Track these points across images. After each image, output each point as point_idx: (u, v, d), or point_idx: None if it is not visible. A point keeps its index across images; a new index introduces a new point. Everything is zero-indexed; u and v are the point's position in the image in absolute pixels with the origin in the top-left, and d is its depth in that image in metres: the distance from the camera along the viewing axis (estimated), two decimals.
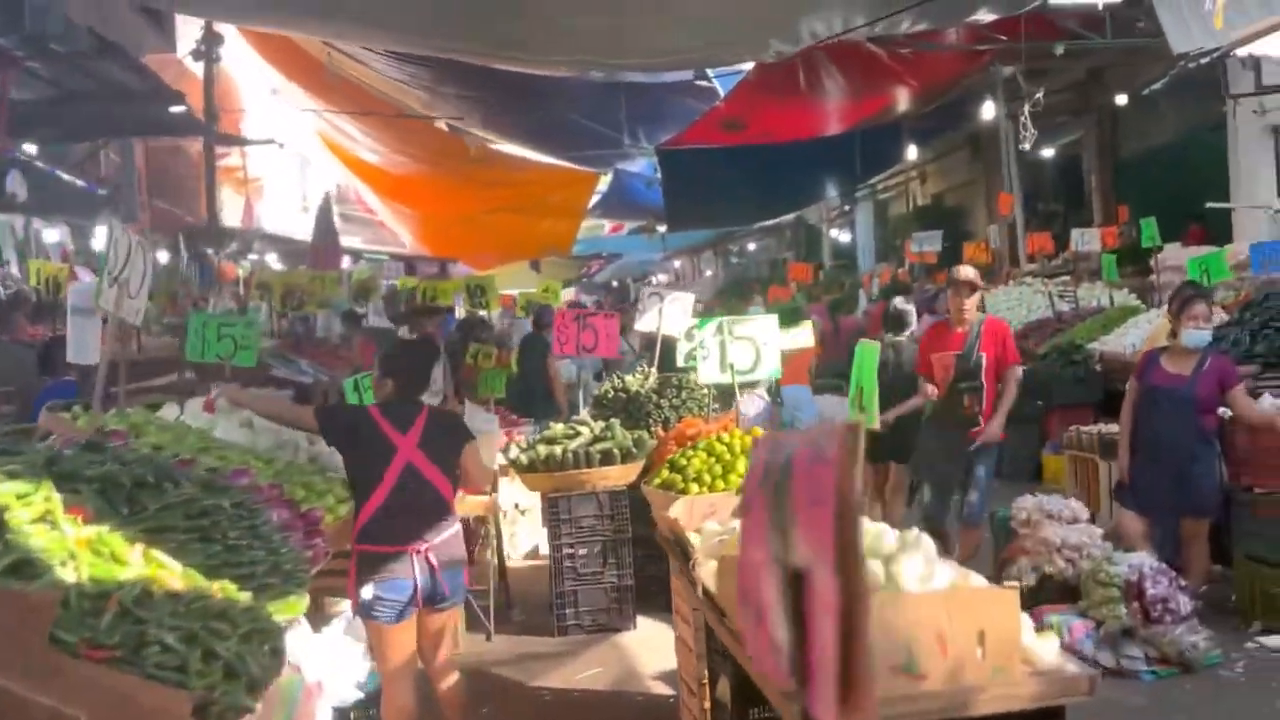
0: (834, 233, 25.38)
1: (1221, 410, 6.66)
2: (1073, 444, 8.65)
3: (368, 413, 4.94)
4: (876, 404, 4.09)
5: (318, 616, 5.83)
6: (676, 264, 32.15)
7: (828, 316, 15.45)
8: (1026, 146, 14.05)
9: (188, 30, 16.69)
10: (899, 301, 9.54)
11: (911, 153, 16.34)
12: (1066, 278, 14.17)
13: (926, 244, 15.73)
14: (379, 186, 18.83)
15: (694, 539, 4.33)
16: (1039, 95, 14.35)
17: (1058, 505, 6.80)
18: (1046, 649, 3.48)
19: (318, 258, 15.61)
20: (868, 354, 4.11)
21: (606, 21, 5.96)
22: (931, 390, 7.06)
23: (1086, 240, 13.85)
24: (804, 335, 8.96)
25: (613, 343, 7.35)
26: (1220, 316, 9.04)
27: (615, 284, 30.09)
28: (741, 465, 5.18)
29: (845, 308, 16.95)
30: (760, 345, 5.58)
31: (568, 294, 28.85)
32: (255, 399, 5.47)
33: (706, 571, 3.88)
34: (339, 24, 6.38)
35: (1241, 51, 9.31)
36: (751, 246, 30.63)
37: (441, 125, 16.79)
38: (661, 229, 22.05)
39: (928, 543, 3.87)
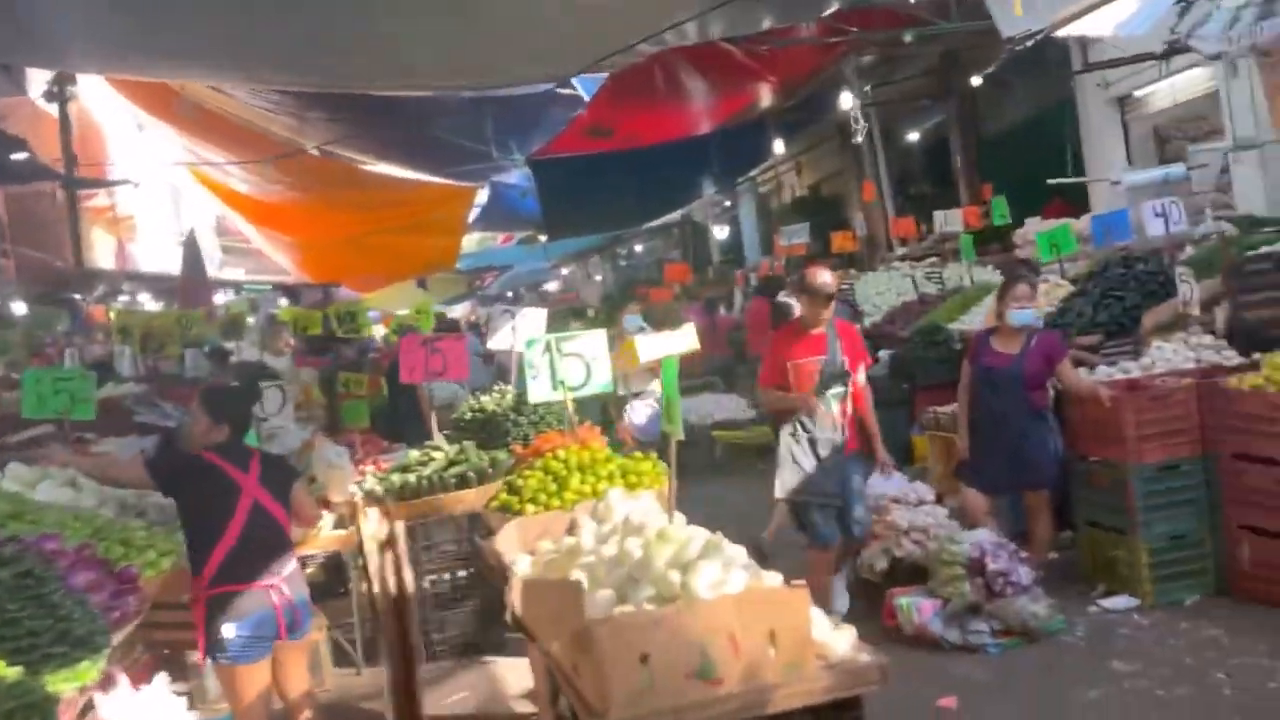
0: (719, 230, 25.58)
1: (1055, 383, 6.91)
2: (931, 424, 8.85)
3: (203, 457, 4.93)
4: (680, 416, 4.18)
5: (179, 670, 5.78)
6: (565, 271, 32.14)
7: (704, 314, 15.56)
8: (859, 139, 14.34)
9: (40, 72, 16.27)
10: (784, 296, 9.52)
11: (779, 147, 16.53)
12: (936, 259, 14.42)
13: (795, 237, 15.89)
14: (253, 216, 18.52)
15: (523, 561, 4.36)
16: (868, 89, 14.67)
17: (904, 489, 7.00)
18: (841, 642, 3.60)
19: (186, 295, 15.31)
20: (670, 368, 4.20)
21: (417, 44, 5.96)
22: (812, 401, 6.34)
23: (949, 221, 14.14)
24: (687, 338, 8.85)
25: (463, 366, 7.34)
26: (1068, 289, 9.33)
27: (510, 294, 30.12)
28: (575, 480, 5.22)
29: (723, 304, 17.07)
30: (589, 360, 5.63)
31: (462, 309, 28.56)
32: (81, 461, 5.43)
33: (514, 595, 3.92)
34: (157, 63, 6.29)
35: (1064, 32, 9.63)
36: (639, 248, 30.73)
37: (313, 151, 16.59)
38: (543, 238, 22.07)
39: (729, 547, 3.96)
